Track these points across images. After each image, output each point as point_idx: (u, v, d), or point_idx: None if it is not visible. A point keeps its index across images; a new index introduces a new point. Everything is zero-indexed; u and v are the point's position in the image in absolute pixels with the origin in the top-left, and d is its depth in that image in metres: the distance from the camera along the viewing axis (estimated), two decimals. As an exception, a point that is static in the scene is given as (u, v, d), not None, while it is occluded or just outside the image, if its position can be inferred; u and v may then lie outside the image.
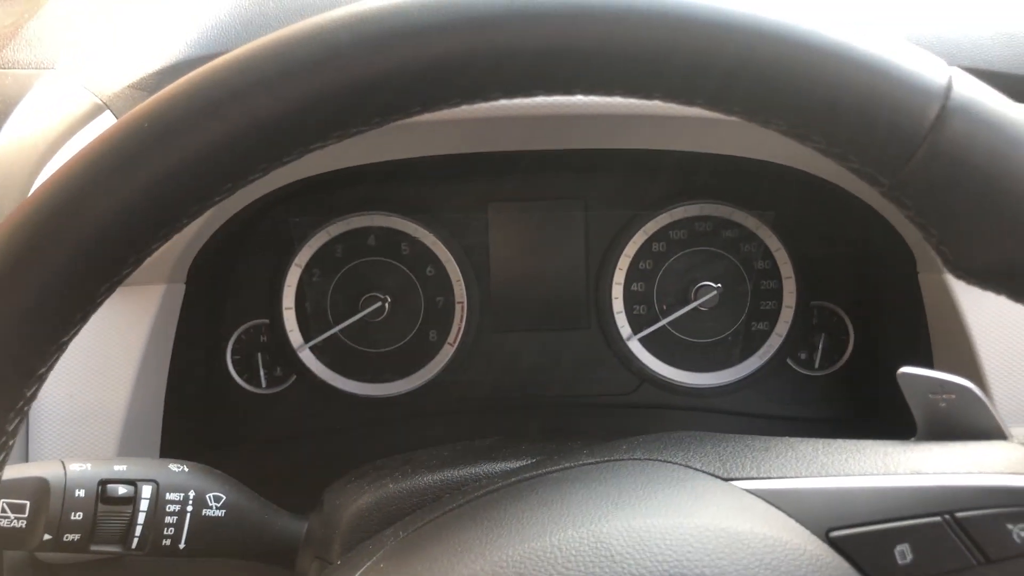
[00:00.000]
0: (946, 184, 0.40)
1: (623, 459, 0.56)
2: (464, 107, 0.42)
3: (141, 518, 0.65)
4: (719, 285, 1.19)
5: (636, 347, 1.21)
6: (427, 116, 0.42)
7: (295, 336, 1.19)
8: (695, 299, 1.19)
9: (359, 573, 0.54)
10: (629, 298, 1.21)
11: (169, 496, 0.67)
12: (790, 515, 0.48)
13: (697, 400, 1.23)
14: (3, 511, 0.62)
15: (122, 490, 0.65)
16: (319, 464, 1.15)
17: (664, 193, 1.20)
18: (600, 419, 1.23)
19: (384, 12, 0.40)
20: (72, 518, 0.63)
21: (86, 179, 0.40)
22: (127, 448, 0.89)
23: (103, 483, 0.65)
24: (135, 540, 0.66)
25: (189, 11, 0.94)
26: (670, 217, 1.20)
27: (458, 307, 1.21)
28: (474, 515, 0.53)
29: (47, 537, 0.63)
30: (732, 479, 0.52)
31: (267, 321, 1.20)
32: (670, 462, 0.55)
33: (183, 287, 1.00)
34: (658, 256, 1.21)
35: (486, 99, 0.42)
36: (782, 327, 1.21)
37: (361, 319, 1.18)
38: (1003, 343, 0.89)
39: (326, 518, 0.71)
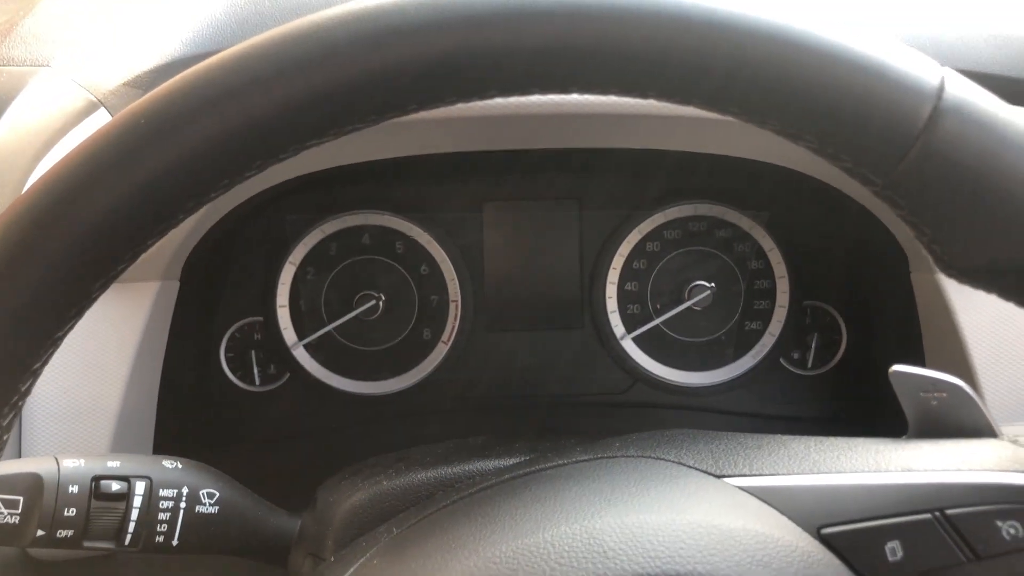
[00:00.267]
0: (938, 184, 0.40)
1: (616, 456, 0.56)
2: (459, 106, 0.42)
3: (134, 514, 0.65)
4: (712, 285, 1.19)
5: (630, 346, 1.21)
6: (422, 115, 0.42)
7: (289, 334, 1.19)
8: (689, 299, 1.19)
9: (352, 569, 0.54)
10: (623, 297, 1.22)
11: (163, 493, 0.67)
12: (782, 512, 0.48)
13: (690, 399, 1.23)
14: (-4, 507, 0.62)
15: (115, 486, 0.65)
16: (313, 462, 1.15)
17: (658, 193, 1.20)
18: (594, 418, 1.23)
19: (380, 10, 0.40)
20: (65, 514, 0.63)
21: (82, 175, 0.40)
22: (120, 445, 0.89)
23: (96, 479, 0.65)
24: (128, 536, 0.66)
25: (184, 9, 0.94)
26: (664, 217, 1.20)
27: (452, 306, 1.21)
28: (467, 512, 0.53)
29: (40, 533, 0.63)
30: (724, 476, 0.52)
31: (261, 319, 1.20)
32: (663, 459, 0.55)
33: (177, 284, 1.00)
34: (652, 256, 1.21)
35: (482, 97, 0.42)
36: (775, 327, 1.21)
37: (355, 317, 1.18)
38: (994, 342, 0.89)
39: (319, 515, 0.71)
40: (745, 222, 1.20)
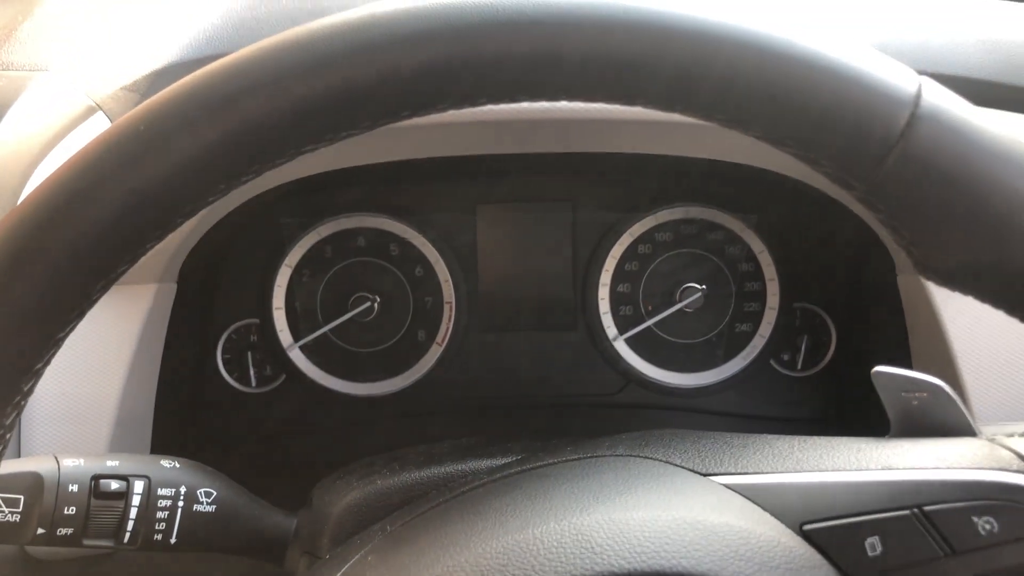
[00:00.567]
0: (916, 188, 0.41)
1: (605, 455, 0.57)
2: (452, 111, 0.43)
3: (133, 513, 0.66)
4: (703, 287, 1.20)
5: (622, 347, 1.22)
6: (416, 120, 0.43)
7: (285, 336, 1.20)
8: (680, 300, 1.20)
9: (347, 567, 0.55)
10: (615, 299, 1.23)
11: (161, 492, 0.68)
12: (765, 509, 0.49)
13: (682, 400, 1.24)
14: (-2, 505, 0.63)
15: (114, 485, 0.66)
16: (308, 462, 1.16)
17: (650, 196, 1.21)
18: (586, 419, 1.24)
19: (374, 20, 0.41)
20: (65, 512, 0.64)
21: (83, 180, 0.41)
22: (118, 445, 0.90)
23: (96, 478, 0.66)
24: (127, 535, 0.67)
25: (182, 14, 0.95)
26: (656, 220, 1.21)
27: (446, 307, 1.22)
28: (460, 509, 0.54)
29: (41, 531, 0.64)
30: (710, 474, 0.53)
31: (257, 321, 1.21)
32: (651, 458, 0.56)
33: (174, 287, 1.01)
34: (644, 258, 1.22)
35: (474, 105, 0.43)
36: (765, 328, 1.22)
37: (350, 319, 1.19)
38: (979, 344, 0.90)
39: (315, 514, 0.72)
40: (736, 225, 1.21)
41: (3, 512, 0.63)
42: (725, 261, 1.22)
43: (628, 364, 1.22)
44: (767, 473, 0.52)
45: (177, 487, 0.68)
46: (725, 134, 0.44)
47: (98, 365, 0.90)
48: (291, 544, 0.73)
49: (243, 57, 0.41)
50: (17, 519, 0.63)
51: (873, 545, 0.47)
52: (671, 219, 1.21)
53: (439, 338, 1.23)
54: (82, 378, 0.89)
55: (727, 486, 0.51)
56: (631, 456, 0.57)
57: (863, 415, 1.17)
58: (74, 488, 0.65)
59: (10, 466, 0.64)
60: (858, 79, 0.41)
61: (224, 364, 1.21)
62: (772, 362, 1.24)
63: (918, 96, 0.41)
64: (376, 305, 1.20)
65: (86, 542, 0.66)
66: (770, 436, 0.57)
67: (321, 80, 0.41)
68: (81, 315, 0.44)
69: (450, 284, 1.22)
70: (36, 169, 0.83)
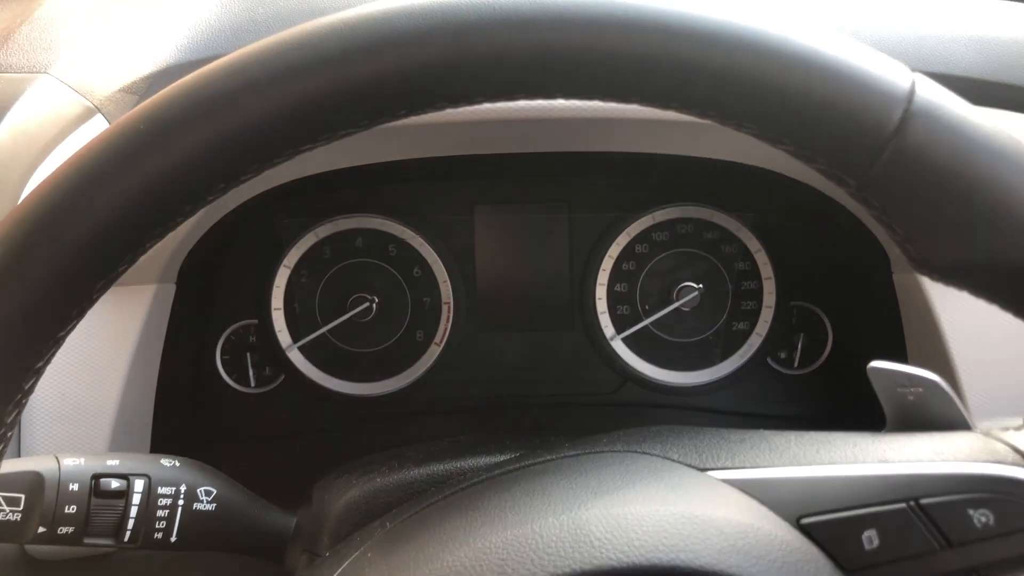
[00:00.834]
0: (909, 185, 0.42)
1: (603, 451, 0.58)
2: (450, 111, 0.44)
3: (133, 511, 0.66)
4: (700, 286, 1.20)
5: (619, 347, 1.23)
6: (413, 119, 0.44)
7: (284, 336, 1.21)
8: (677, 299, 1.21)
9: (347, 563, 0.55)
10: (612, 299, 1.23)
11: (161, 490, 0.68)
12: (762, 503, 0.50)
13: (679, 399, 1.25)
14: (-1, 504, 0.64)
15: (115, 484, 0.66)
16: (308, 461, 1.17)
17: (646, 196, 1.22)
18: (583, 418, 1.24)
19: (372, 19, 0.41)
20: (66, 511, 0.65)
21: (83, 179, 0.41)
22: (118, 445, 0.90)
23: (96, 477, 0.66)
24: (127, 533, 0.67)
25: (180, 16, 0.96)
26: (652, 219, 1.22)
27: (444, 308, 1.23)
28: (459, 506, 0.55)
29: (42, 530, 0.64)
30: (708, 469, 0.53)
31: (256, 321, 1.21)
32: (649, 454, 0.56)
33: (173, 287, 1.01)
34: (641, 257, 1.23)
35: (471, 103, 0.43)
36: (762, 327, 1.23)
37: (349, 319, 1.19)
38: (973, 339, 0.91)
39: (315, 512, 0.72)
40: (732, 224, 1.21)
41: (4, 511, 0.63)
42: (721, 260, 1.23)
43: (625, 363, 1.23)
44: (764, 468, 0.52)
45: (177, 486, 0.68)
46: (721, 133, 0.45)
47: (98, 365, 0.90)
48: (291, 542, 0.73)
49: (242, 57, 0.42)
50: (18, 518, 0.64)
51: (870, 538, 0.47)
52: (668, 218, 1.22)
53: (437, 338, 1.23)
54: (82, 378, 0.89)
55: (724, 481, 0.52)
56: (629, 452, 0.57)
57: (860, 412, 1.17)
58: (75, 487, 0.65)
59: (11, 465, 0.65)
60: (852, 76, 0.41)
61: (223, 364, 1.22)
62: (769, 360, 1.25)
63: (912, 93, 0.41)
64: (374, 305, 1.20)
65: (87, 541, 0.66)
66: (767, 431, 0.58)
67: (319, 80, 0.41)
68: (82, 314, 0.44)
69: (448, 284, 1.22)
70: (35, 171, 0.84)
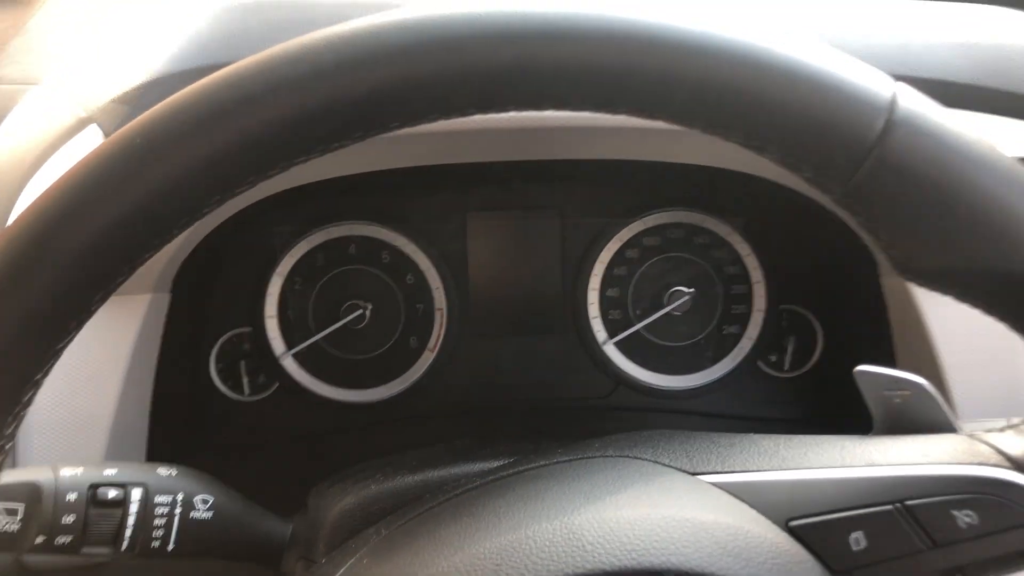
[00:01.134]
0: (892, 192, 0.43)
1: (595, 456, 0.58)
2: (441, 121, 0.45)
3: (131, 520, 0.66)
4: (691, 290, 1.21)
5: (612, 351, 1.24)
6: (405, 129, 0.45)
7: (277, 344, 1.21)
8: (668, 304, 1.21)
9: (343, 570, 0.55)
10: (604, 303, 1.24)
11: (158, 499, 0.68)
12: (752, 506, 0.50)
13: (671, 402, 1.25)
14: (-3, 514, 0.64)
15: (112, 493, 0.66)
16: (303, 468, 1.17)
17: (638, 201, 1.23)
18: (577, 422, 1.25)
19: (365, 33, 0.42)
20: (64, 521, 0.65)
21: (81, 192, 0.42)
22: (114, 455, 0.90)
23: (94, 487, 0.66)
24: (125, 542, 0.67)
25: (172, 26, 0.96)
26: (643, 224, 1.22)
27: (438, 314, 1.23)
28: (453, 512, 0.55)
29: (40, 540, 0.64)
30: (698, 473, 0.54)
31: (250, 329, 1.21)
32: (640, 458, 0.57)
33: (168, 296, 1.01)
34: (632, 262, 1.24)
35: (462, 115, 0.44)
36: (753, 330, 1.24)
37: (342, 326, 1.20)
38: (961, 343, 0.92)
39: (311, 519, 0.72)
40: (722, 229, 1.22)
41: (3, 521, 0.63)
42: (712, 264, 1.23)
43: (618, 367, 1.24)
44: (754, 471, 0.53)
45: (174, 494, 0.69)
46: (709, 140, 0.45)
47: (93, 375, 0.90)
48: (287, 549, 0.73)
49: (237, 70, 0.42)
50: (16, 528, 0.64)
51: (857, 540, 0.48)
52: (658, 224, 1.22)
53: (431, 345, 1.23)
54: (78, 388, 0.89)
55: (715, 484, 0.52)
56: (621, 457, 0.58)
57: (850, 414, 1.18)
58: (72, 497, 0.65)
59: (8, 476, 0.65)
60: (835, 85, 0.42)
61: (218, 373, 1.22)
62: (760, 363, 1.26)
63: (893, 102, 0.42)
64: (368, 312, 1.21)
65: (85, 550, 0.66)
66: (756, 435, 0.58)
67: (314, 93, 0.41)
68: (80, 326, 0.45)
69: (441, 291, 1.22)
70: (30, 182, 0.84)
